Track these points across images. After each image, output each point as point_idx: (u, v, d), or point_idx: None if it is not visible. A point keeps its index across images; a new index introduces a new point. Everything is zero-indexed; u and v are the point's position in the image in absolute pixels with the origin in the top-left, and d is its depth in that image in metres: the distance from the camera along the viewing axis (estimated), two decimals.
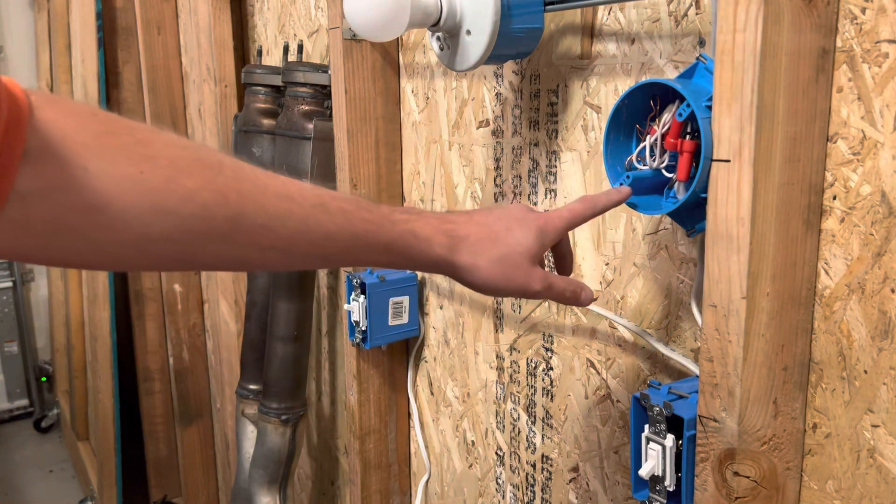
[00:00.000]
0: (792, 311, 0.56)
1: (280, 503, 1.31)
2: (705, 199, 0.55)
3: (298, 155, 1.20)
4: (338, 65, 1.01)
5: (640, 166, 0.62)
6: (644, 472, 0.60)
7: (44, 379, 3.23)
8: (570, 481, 0.86)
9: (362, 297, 1.01)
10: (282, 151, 1.23)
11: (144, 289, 2.14)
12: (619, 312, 0.75)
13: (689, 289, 0.68)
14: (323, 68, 1.18)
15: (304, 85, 1.19)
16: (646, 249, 0.72)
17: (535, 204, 0.85)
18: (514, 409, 0.94)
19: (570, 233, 0.78)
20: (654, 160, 0.61)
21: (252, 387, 1.41)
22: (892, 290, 0.53)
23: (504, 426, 0.96)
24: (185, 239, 0.47)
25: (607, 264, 0.76)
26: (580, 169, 0.78)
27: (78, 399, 2.70)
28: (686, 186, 0.58)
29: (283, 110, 1.23)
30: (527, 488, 0.93)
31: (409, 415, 1.15)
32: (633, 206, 0.63)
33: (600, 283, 0.77)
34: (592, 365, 0.80)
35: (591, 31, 0.74)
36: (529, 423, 0.91)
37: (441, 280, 1.04)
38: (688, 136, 0.58)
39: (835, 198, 0.55)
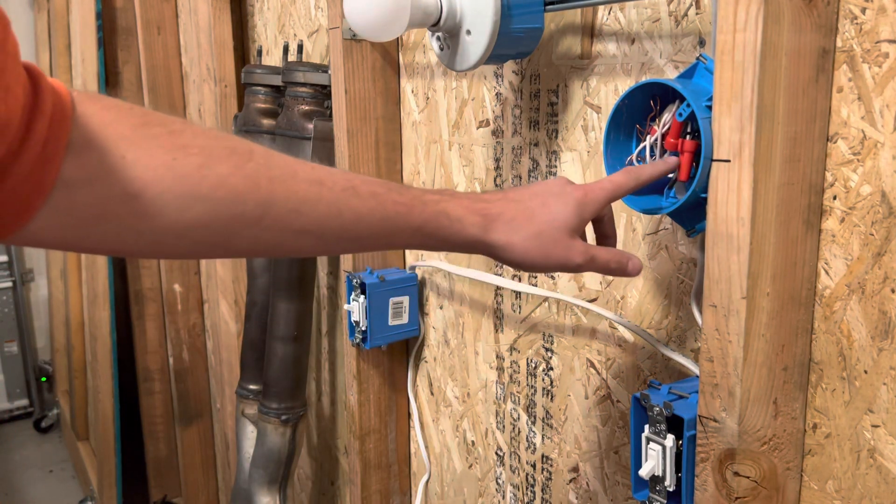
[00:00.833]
0: (792, 311, 0.56)
1: (280, 503, 1.31)
2: (705, 199, 0.55)
3: (298, 155, 1.19)
4: (338, 65, 1.01)
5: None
6: (644, 472, 0.60)
7: (44, 379, 3.23)
8: (570, 481, 0.86)
9: (362, 297, 1.01)
10: (282, 151, 1.22)
11: (144, 289, 2.14)
12: (620, 312, 0.75)
13: (689, 289, 0.68)
14: (323, 68, 1.18)
15: (304, 85, 1.19)
16: (646, 249, 0.72)
17: None
18: (514, 409, 0.94)
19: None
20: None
21: (252, 387, 1.41)
22: (893, 290, 0.53)
23: (504, 426, 0.96)
24: (219, 224, 0.49)
25: None
26: (580, 169, 0.78)
27: (78, 399, 2.70)
28: (686, 186, 0.58)
29: (283, 110, 1.23)
30: (527, 488, 0.93)
31: (409, 415, 1.15)
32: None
33: (600, 283, 0.77)
34: (592, 365, 0.80)
35: (591, 31, 0.74)
36: (529, 423, 0.91)
37: (441, 280, 1.04)
38: (688, 136, 0.58)
39: (835, 198, 0.55)
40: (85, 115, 0.45)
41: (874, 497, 0.55)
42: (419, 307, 1.08)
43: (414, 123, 1.05)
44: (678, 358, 0.68)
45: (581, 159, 0.78)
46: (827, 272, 0.56)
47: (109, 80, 2.06)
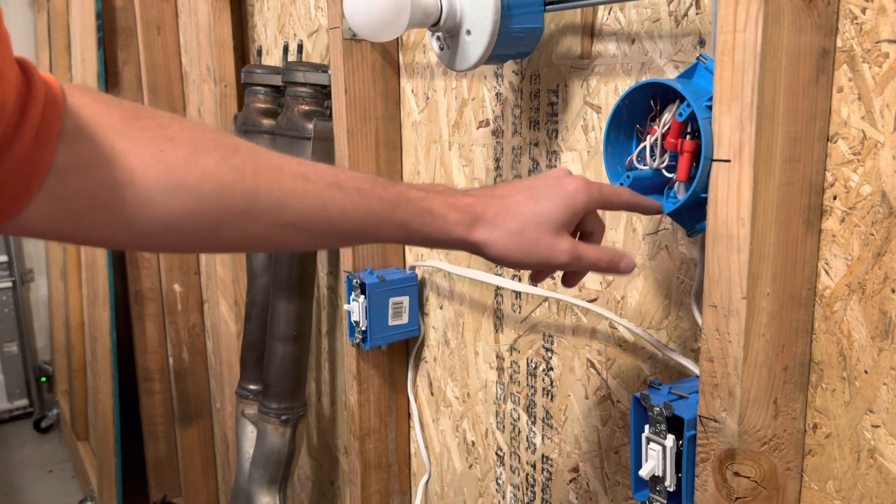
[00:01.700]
0: (792, 311, 0.56)
1: (280, 503, 1.31)
2: (705, 199, 0.55)
3: (299, 155, 1.19)
4: (338, 65, 1.01)
5: (641, 166, 0.62)
6: (644, 472, 0.60)
7: (43, 379, 3.23)
8: (571, 481, 0.86)
9: (362, 297, 1.01)
10: (282, 151, 1.22)
11: (144, 289, 2.14)
12: (620, 312, 0.75)
13: (689, 289, 0.68)
14: (323, 68, 1.18)
15: (303, 85, 1.19)
16: (646, 249, 0.72)
17: None
18: (514, 409, 0.94)
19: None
20: (654, 160, 0.61)
21: (252, 387, 1.40)
22: (893, 291, 0.53)
23: (504, 426, 0.96)
24: (206, 215, 0.50)
25: None
26: (580, 169, 0.78)
27: (78, 399, 2.70)
28: (686, 186, 0.58)
29: (282, 110, 1.23)
30: (527, 488, 0.93)
31: (409, 415, 1.15)
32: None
33: (600, 283, 0.77)
34: (593, 365, 0.80)
35: (591, 31, 0.74)
36: (529, 423, 0.91)
37: (441, 280, 1.04)
38: (688, 136, 0.58)
39: (835, 198, 0.55)
40: (76, 106, 0.46)
41: (874, 497, 0.55)
42: (419, 307, 1.08)
43: (414, 123, 1.05)
44: (678, 358, 0.68)
45: (581, 159, 0.78)
46: (827, 272, 0.56)
47: (109, 79, 2.06)
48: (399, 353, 1.13)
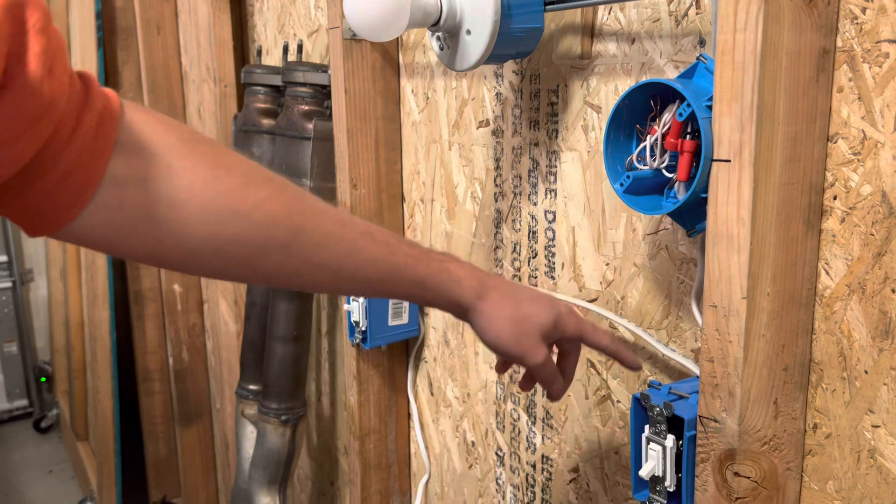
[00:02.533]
0: (792, 311, 0.56)
1: (280, 503, 1.31)
2: (705, 199, 0.55)
3: (298, 155, 1.19)
4: (338, 65, 1.01)
5: (641, 166, 0.62)
6: (644, 472, 0.60)
7: (43, 379, 3.23)
8: (571, 482, 0.86)
9: (362, 297, 1.01)
10: (282, 151, 1.22)
11: (144, 289, 2.14)
12: (620, 312, 0.75)
13: (689, 289, 0.68)
14: (323, 68, 1.18)
15: (303, 85, 1.19)
16: (646, 249, 0.72)
17: (534, 204, 0.85)
18: (514, 409, 0.93)
19: (570, 243, 0.79)
20: (654, 160, 0.61)
21: (252, 387, 1.40)
22: (893, 291, 0.53)
23: (504, 426, 0.96)
24: (251, 243, 0.52)
25: (607, 264, 0.76)
26: (580, 169, 0.78)
27: (77, 399, 2.70)
28: (686, 186, 0.58)
29: (282, 110, 1.23)
30: (527, 489, 0.93)
31: (409, 415, 1.15)
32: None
33: (600, 283, 0.77)
34: (592, 365, 0.80)
35: (591, 31, 0.74)
36: (529, 423, 0.91)
37: None
38: (688, 136, 0.58)
39: (835, 198, 0.55)
40: (134, 121, 0.48)
41: (874, 497, 0.55)
42: (419, 307, 1.08)
43: (414, 123, 1.04)
44: (678, 358, 0.68)
45: (581, 159, 0.78)
46: (827, 272, 0.56)
47: (109, 79, 2.06)
48: (399, 353, 1.13)
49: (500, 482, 0.98)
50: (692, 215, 0.60)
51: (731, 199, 0.52)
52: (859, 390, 0.55)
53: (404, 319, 1.06)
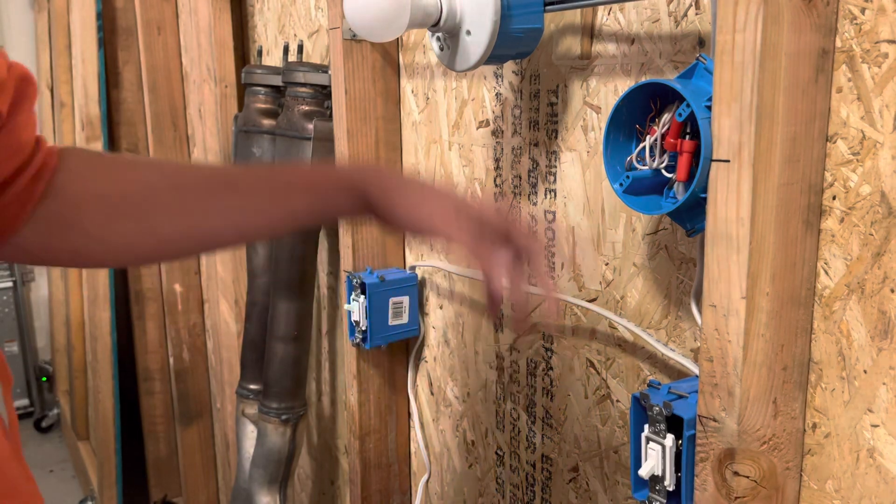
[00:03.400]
0: (791, 311, 0.56)
1: (280, 503, 1.31)
2: (705, 199, 0.55)
3: (298, 155, 1.20)
4: (338, 65, 1.01)
5: (640, 166, 0.62)
6: (644, 471, 0.60)
7: (44, 379, 3.23)
8: (570, 481, 0.86)
9: (362, 297, 1.01)
10: (282, 152, 1.23)
11: (145, 289, 2.14)
12: (619, 312, 0.75)
13: (688, 289, 0.68)
14: (323, 68, 1.18)
15: (304, 85, 1.19)
16: (646, 249, 0.72)
17: (534, 204, 0.85)
18: (514, 409, 0.94)
19: (570, 235, 0.78)
20: (653, 160, 0.61)
21: (252, 387, 1.41)
22: (892, 290, 0.53)
23: (504, 426, 0.96)
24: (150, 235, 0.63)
25: (607, 264, 0.76)
26: (580, 169, 0.78)
27: (78, 399, 2.70)
28: (686, 186, 0.58)
29: (283, 110, 1.23)
30: (527, 488, 0.94)
31: (409, 415, 1.15)
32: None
33: (600, 283, 0.78)
34: (592, 365, 0.80)
35: (590, 32, 0.74)
36: (529, 423, 0.91)
37: (441, 280, 1.04)
38: (687, 137, 0.58)
39: (834, 198, 0.55)
40: (69, 172, 0.60)
41: (874, 497, 0.56)
42: (419, 307, 1.08)
43: (414, 123, 1.05)
44: (678, 358, 0.68)
45: (581, 159, 0.78)
46: (826, 272, 0.56)
47: (110, 80, 2.06)
48: (399, 353, 1.13)
49: (500, 481, 0.98)
50: (691, 215, 0.60)
51: (730, 199, 0.53)
52: (858, 390, 0.56)
53: (404, 319, 1.06)
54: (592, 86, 0.75)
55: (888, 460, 0.54)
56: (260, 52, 1.49)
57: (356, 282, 1.02)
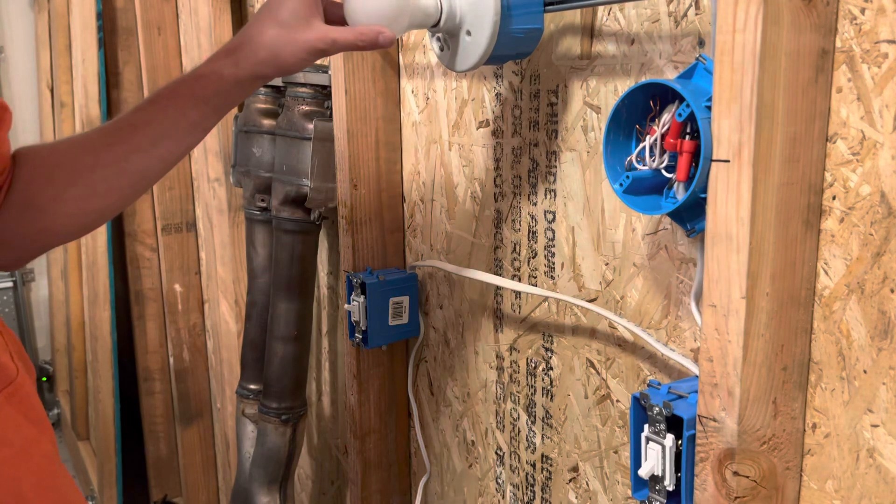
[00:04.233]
0: (791, 311, 0.56)
1: (280, 503, 1.31)
2: (705, 199, 0.55)
3: (299, 155, 1.20)
4: (338, 65, 1.01)
5: (640, 166, 0.62)
6: (644, 471, 0.60)
7: (44, 379, 3.23)
8: (570, 481, 0.86)
9: (362, 297, 1.01)
10: (282, 152, 1.23)
11: (145, 289, 2.14)
12: (619, 312, 0.76)
13: (688, 289, 0.68)
14: (323, 69, 1.18)
15: (304, 85, 1.19)
16: (645, 249, 0.72)
17: (534, 204, 0.85)
18: (513, 408, 0.94)
19: (570, 243, 0.78)
20: (653, 160, 0.61)
21: (252, 387, 1.41)
22: (892, 290, 0.53)
23: (504, 426, 0.96)
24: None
25: (607, 264, 0.76)
26: (580, 169, 0.78)
27: (78, 399, 2.70)
28: (686, 186, 0.58)
29: (283, 110, 1.23)
30: (527, 488, 0.94)
31: (410, 415, 1.15)
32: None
33: (600, 282, 0.78)
34: (592, 365, 0.80)
35: (590, 32, 0.74)
36: (529, 422, 0.91)
37: (441, 280, 1.04)
38: (687, 137, 0.58)
39: (834, 198, 0.55)
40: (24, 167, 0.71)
41: (873, 497, 0.56)
42: (419, 307, 1.08)
43: (414, 124, 1.05)
44: (678, 358, 0.68)
45: (581, 159, 0.78)
46: (826, 272, 0.56)
47: (110, 80, 2.06)
48: (399, 353, 1.13)
49: (499, 481, 0.99)
50: (691, 215, 0.60)
51: (730, 199, 0.53)
52: (858, 390, 0.56)
53: (404, 319, 1.06)
54: (592, 86, 0.75)
55: (888, 460, 0.54)
56: None
57: (356, 282, 1.02)
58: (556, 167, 0.81)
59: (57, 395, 3.14)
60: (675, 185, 0.60)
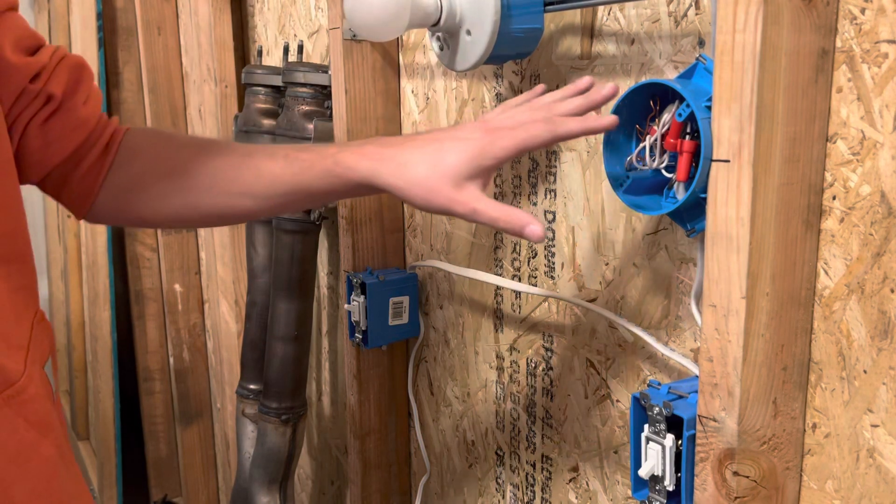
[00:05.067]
0: (791, 311, 0.56)
1: (280, 503, 1.31)
2: (705, 199, 0.55)
3: None
4: (338, 65, 1.01)
5: (640, 166, 0.62)
6: (644, 471, 0.60)
7: None
8: (570, 481, 0.86)
9: (362, 297, 1.01)
10: None
11: (145, 289, 2.14)
12: (619, 312, 0.76)
13: (688, 289, 0.68)
14: (323, 69, 1.18)
15: (304, 85, 1.19)
16: (645, 249, 0.72)
17: (534, 204, 0.85)
18: (514, 408, 0.94)
19: (570, 243, 0.78)
20: (653, 160, 0.61)
21: (252, 387, 1.41)
22: (892, 290, 0.53)
23: (504, 426, 0.96)
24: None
25: (607, 264, 0.76)
26: (580, 169, 0.78)
27: (78, 399, 2.71)
28: (686, 186, 0.58)
29: (283, 111, 1.23)
30: (527, 488, 0.94)
31: (410, 415, 1.15)
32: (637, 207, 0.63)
33: (600, 283, 0.78)
34: (592, 365, 0.80)
35: (590, 32, 0.74)
36: (529, 422, 0.91)
37: (441, 280, 1.04)
38: (687, 137, 0.58)
39: (834, 198, 0.55)
40: (133, 144, 0.72)
41: (873, 497, 0.56)
42: (419, 307, 1.08)
43: (414, 124, 1.05)
44: (678, 358, 0.68)
45: (581, 159, 0.78)
46: (826, 272, 0.56)
47: (110, 80, 2.06)
48: (399, 353, 1.13)
49: (499, 481, 0.99)
50: (691, 215, 0.60)
51: (730, 200, 0.53)
52: (858, 390, 0.56)
53: (404, 319, 1.06)
54: None
55: (888, 460, 0.54)
56: (260, 53, 1.49)
57: (356, 282, 1.02)
58: (556, 167, 0.81)
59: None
60: (675, 185, 0.60)
